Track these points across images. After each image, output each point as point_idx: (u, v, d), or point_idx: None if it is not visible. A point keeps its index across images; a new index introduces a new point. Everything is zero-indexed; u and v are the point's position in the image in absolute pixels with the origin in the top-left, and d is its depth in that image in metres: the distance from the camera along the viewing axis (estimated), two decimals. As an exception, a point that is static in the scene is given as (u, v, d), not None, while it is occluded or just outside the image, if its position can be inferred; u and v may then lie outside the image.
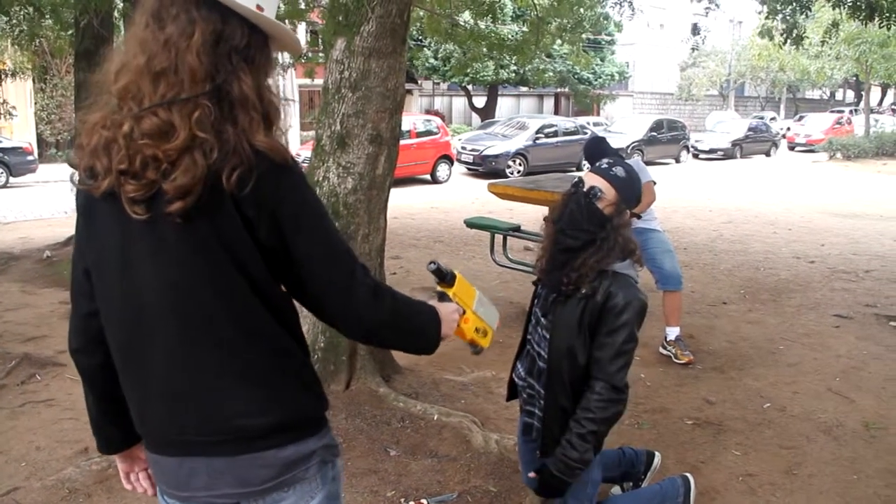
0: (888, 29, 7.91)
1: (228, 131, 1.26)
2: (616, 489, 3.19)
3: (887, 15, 7.30)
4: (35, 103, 20.44)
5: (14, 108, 15.83)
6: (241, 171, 1.25)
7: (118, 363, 1.42)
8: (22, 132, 19.12)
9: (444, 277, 1.67)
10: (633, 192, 2.51)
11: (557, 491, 2.50)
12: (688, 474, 3.01)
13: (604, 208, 2.42)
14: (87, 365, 1.50)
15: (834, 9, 8.45)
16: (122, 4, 8.05)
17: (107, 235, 1.34)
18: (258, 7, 1.33)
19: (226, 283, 1.31)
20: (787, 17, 8.03)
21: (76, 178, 1.36)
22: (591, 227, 2.41)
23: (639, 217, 2.62)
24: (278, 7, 1.43)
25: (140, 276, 1.32)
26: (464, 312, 1.65)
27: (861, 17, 7.46)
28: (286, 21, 8.91)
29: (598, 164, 2.56)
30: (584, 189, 2.45)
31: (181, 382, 1.35)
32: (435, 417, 3.71)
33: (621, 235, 2.43)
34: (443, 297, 1.65)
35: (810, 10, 8.07)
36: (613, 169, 2.47)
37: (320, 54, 9.27)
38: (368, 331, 1.44)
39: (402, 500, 3.08)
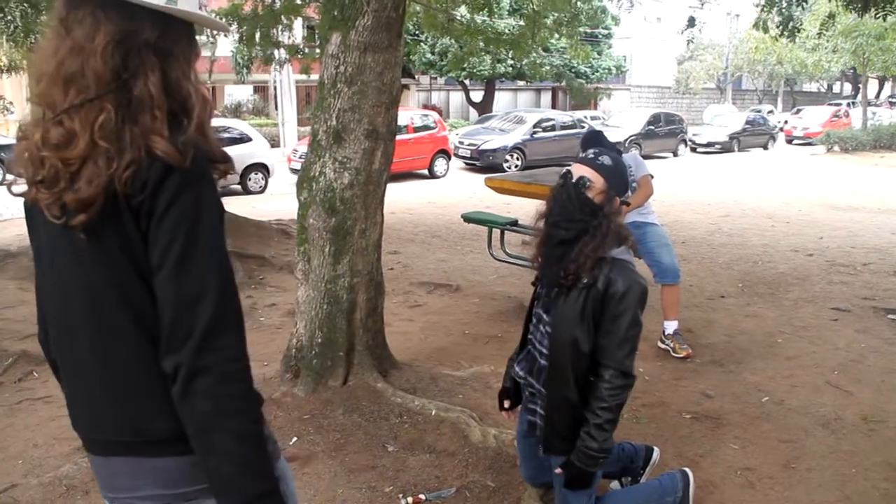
0: (884, 20, 7.90)
1: (128, 135, 1.23)
2: (615, 484, 3.19)
3: (882, 5, 7.28)
4: (31, 99, 20.35)
5: (11, 103, 15.75)
6: (133, 172, 1.22)
7: (58, 361, 1.45)
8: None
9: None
10: (621, 180, 2.52)
11: (584, 483, 2.53)
12: (686, 469, 3.00)
13: (594, 197, 2.44)
14: (52, 359, 1.52)
15: (830, 0, 8.44)
16: None
17: (40, 239, 1.38)
18: None
19: (129, 288, 1.29)
20: (783, 10, 8.01)
21: (14, 187, 1.38)
22: (584, 216, 2.43)
23: (628, 204, 2.64)
24: None
25: (63, 279, 1.34)
26: None
27: (857, 9, 7.44)
28: (282, 17, 8.88)
29: (584, 154, 2.58)
30: (573, 180, 2.46)
31: (97, 384, 1.35)
32: (433, 413, 3.71)
33: (614, 222, 2.45)
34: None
35: (806, 2, 8.04)
36: (600, 158, 2.50)
37: (317, 49, 9.24)
38: (176, 372, 1.23)
39: (401, 495, 3.08)
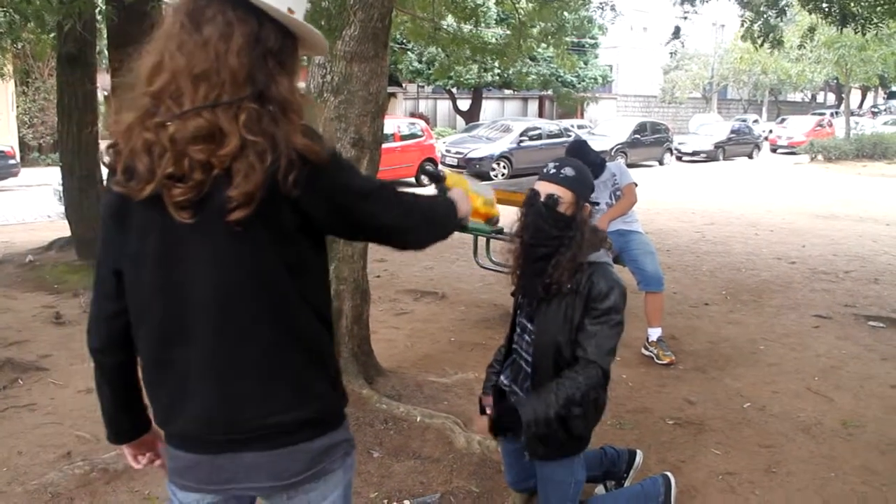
0: (863, 35, 7.99)
1: (277, 133, 1.27)
2: (600, 489, 3.22)
3: (861, 22, 7.39)
4: (17, 106, 20.26)
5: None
6: (296, 175, 1.27)
7: (150, 362, 1.43)
8: (3, 136, 18.94)
9: (438, 177, 1.86)
10: (586, 186, 2.57)
11: (509, 429, 2.46)
12: (668, 473, 3.04)
13: (564, 211, 2.48)
14: (109, 363, 1.51)
15: (810, 14, 8.55)
16: (104, 7, 8.00)
17: (145, 235, 1.34)
18: (289, 10, 1.34)
19: (275, 286, 1.34)
20: (767, 22, 8.10)
21: (113, 185, 1.36)
22: (560, 232, 2.47)
23: (596, 204, 2.69)
24: (305, 10, 1.44)
25: (184, 276, 1.33)
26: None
27: (836, 23, 7.55)
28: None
29: (545, 169, 2.60)
30: (542, 199, 2.50)
31: (219, 380, 1.36)
32: (418, 419, 3.73)
33: (587, 228, 2.50)
34: (443, 192, 1.82)
35: (785, 14, 8.15)
36: (562, 171, 2.53)
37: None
38: (422, 245, 1.62)
39: (385, 501, 3.10)
